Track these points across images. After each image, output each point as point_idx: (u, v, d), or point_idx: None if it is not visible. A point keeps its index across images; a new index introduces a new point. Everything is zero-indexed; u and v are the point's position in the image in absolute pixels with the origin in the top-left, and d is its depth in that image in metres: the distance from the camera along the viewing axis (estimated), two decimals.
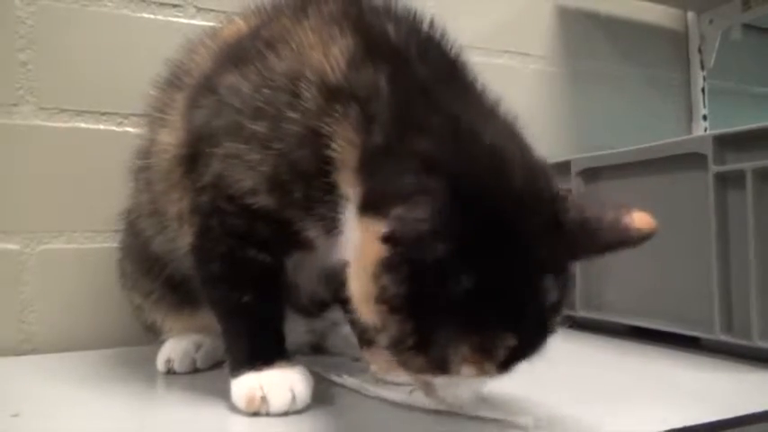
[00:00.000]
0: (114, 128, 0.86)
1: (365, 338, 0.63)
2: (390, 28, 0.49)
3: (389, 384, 0.57)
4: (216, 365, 0.67)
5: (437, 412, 0.51)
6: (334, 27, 0.49)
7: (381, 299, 0.41)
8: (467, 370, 0.41)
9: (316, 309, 0.70)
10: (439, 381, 0.44)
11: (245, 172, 0.50)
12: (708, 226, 0.73)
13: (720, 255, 0.72)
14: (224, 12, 0.91)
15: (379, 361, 0.61)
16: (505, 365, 0.42)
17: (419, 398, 0.52)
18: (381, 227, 0.40)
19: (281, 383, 0.51)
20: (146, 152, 0.63)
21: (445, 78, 0.48)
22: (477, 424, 0.48)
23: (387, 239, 0.39)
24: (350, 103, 0.46)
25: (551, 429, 0.46)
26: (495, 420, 0.48)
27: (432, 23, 0.52)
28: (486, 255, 0.38)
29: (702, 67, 1.33)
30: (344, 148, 0.46)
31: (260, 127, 0.49)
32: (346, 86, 0.47)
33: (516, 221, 0.40)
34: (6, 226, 0.80)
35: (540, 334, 0.42)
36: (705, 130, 1.30)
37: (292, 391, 0.50)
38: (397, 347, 0.42)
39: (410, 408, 0.52)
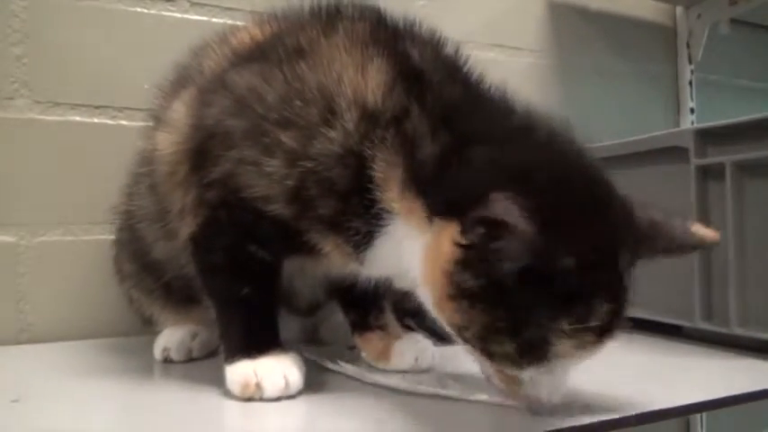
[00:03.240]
0: (108, 121, 0.87)
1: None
2: (416, 52, 0.52)
3: (382, 371, 0.59)
4: (211, 354, 0.69)
5: (431, 397, 0.52)
6: (367, 48, 0.51)
7: (460, 294, 0.43)
8: (565, 347, 0.42)
9: (311, 310, 0.71)
10: (526, 375, 0.45)
11: (261, 180, 0.50)
12: (689, 218, 0.75)
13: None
14: (217, 6, 0.92)
15: (369, 348, 0.63)
16: (600, 336, 0.43)
17: (413, 383, 0.54)
18: (456, 228, 0.43)
19: (275, 370, 0.52)
20: (147, 159, 0.63)
21: (476, 96, 0.51)
22: (473, 407, 0.50)
23: (465, 239, 0.42)
24: (388, 126, 0.48)
25: (534, 412, 0.47)
26: (491, 404, 0.50)
27: (455, 47, 0.55)
28: (570, 236, 0.40)
29: (690, 61, 1.35)
30: (386, 167, 0.48)
31: (288, 139, 0.49)
32: (384, 110, 0.48)
33: (595, 209, 0.43)
34: (3, 218, 0.81)
35: (622, 307, 0.44)
36: (692, 123, 1.32)
37: (285, 377, 0.52)
38: (485, 337, 0.43)
39: (405, 393, 0.54)
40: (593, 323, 0.42)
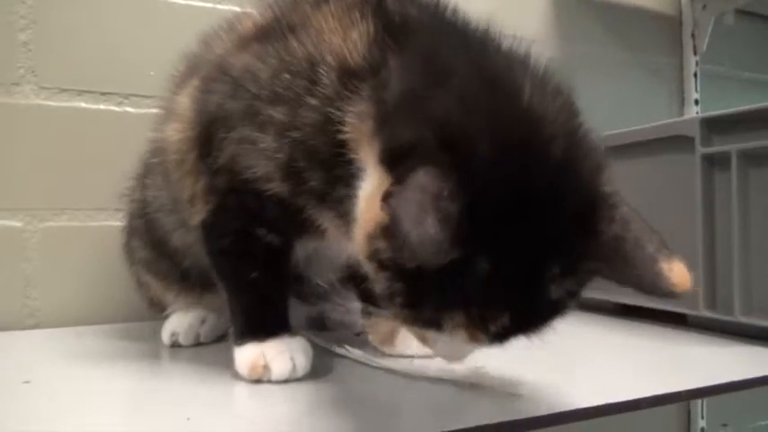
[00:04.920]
0: (114, 108, 0.87)
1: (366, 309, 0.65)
2: (412, 11, 0.49)
3: (387, 355, 0.60)
4: (218, 339, 0.70)
5: (437, 381, 0.53)
6: (354, 12, 0.49)
7: (374, 258, 0.40)
8: (458, 334, 0.40)
9: (321, 297, 0.71)
10: (434, 336, 0.44)
11: (259, 159, 0.50)
12: (694, 207, 0.75)
13: (705, 234, 0.75)
14: None
15: (376, 332, 0.64)
16: (497, 340, 0.41)
17: (421, 368, 0.55)
18: (387, 187, 0.37)
19: (283, 353, 0.53)
20: (158, 149, 0.63)
21: (467, 46, 0.45)
22: (473, 392, 0.51)
23: (385, 209, 0.37)
24: (364, 80, 0.45)
25: (543, 397, 0.48)
26: (491, 388, 0.50)
27: (456, 10, 0.51)
28: (492, 233, 0.36)
29: (695, 52, 1.34)
30: (360, 121, 0.44)
31: (277, 113, 0.49)
32: (362, 66, 0.46)
33: (536, 206, 0.37)
34: (9, 204, 0.81)
35: (536, 320, 0.41)
36: (696, 114, 1.33)
37: (293, 360, 0.53)
38: (385, 300, 0.41)
39: (411, 377, 0.54)
40: (491, 328, 0.39)
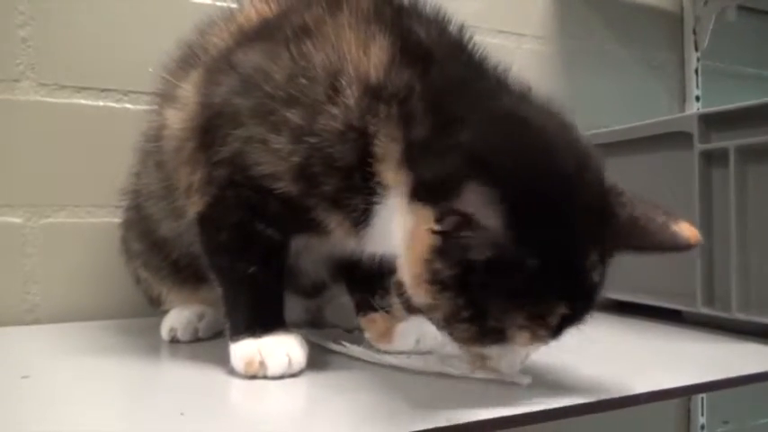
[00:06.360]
0: (114, 104, 0.87)
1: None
2: (421, 29, 0.52)
3: (384, 352, 0.60)
4: (217, 335, 0.70)
5: (433, 375, 0.53)
6: (370, 26, 0.51)
7: (434, 280, 0.44)
8: (521, 337, 0.45)
9: (316, 291, 0.72)
10: (491, 351, 0.48)
11: (269, 157, 0.51)
12: (692, 203, 0.75)
13: (703, 231, 0.74)
14: None
15: (372, 329, 0.64)
16: (557, 332, 0.45)
17: (416, 362, 0.55)
18: (432, 215, 0.43)
19: (279, 349, 0.53)
20: (155, 135, 0.64)
21: (477, 75, 0.51)
22: (474, 384, 0.51)
23: (438, 228, 0.42)
24: (390, 102, 0.48)
25: (541, 393, 0.48)
26: (492, 380, 0.51)
27: (460, 25, 0.54)
28: (537, 234, 0.41)
29: (696, 48, 1.34)
30: (386, 143, 0.48)
31: (294, 116, 0.50)
32: (386, 86, 0.49)
33: (567, 205, 0.43)
34: (9, 200, 0.82)
35: (586, 306, 0.46)
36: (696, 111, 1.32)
37: (289, 356, 0.53)
38: (450, 322, 0.45)
39: (407, 372, 0.55)
40: (550, 321, 0.44)
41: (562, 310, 0.44)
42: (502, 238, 0.40)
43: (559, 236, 0.42)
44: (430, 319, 0.48)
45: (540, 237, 0.41)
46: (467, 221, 0.40)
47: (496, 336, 0.45)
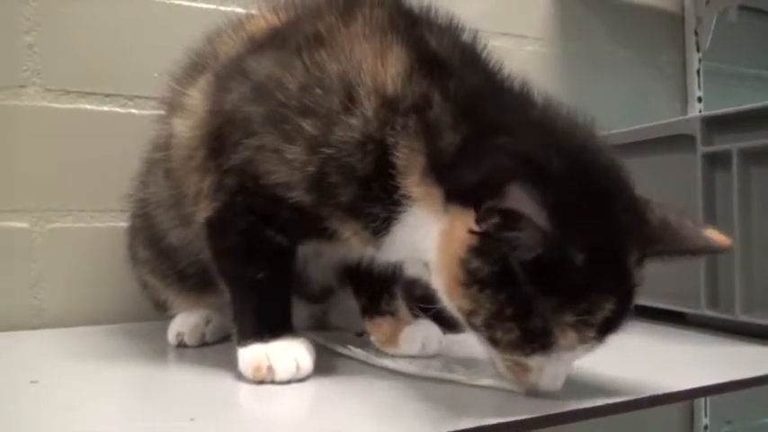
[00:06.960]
0: (119, 109, 0.88)
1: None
2: (436, 39, 0.52)
3: (390, 355, 0.60)
4: (223, 339, 0.70)
5: (438, 381, 0.53)
6: (385, 37, 0.51)
7: (472, 280, 0.44)
8: (568, 338, 0.44)
9: (323, 296, 0.72)
10: (534, 361, 0.46)
11: (282, 167, 0.51)
12: (696, 205, 0.75)
13: None
14: None
15: (378, 333, 0.64)
16: (603, 332, 0.45)
17: (421, 367, 0.55)
18: (471, 216, 0.43)
19: (286, 354, 0.53)
20: (163, 144, 0.64)
21: (499, 85, 0.52)
22: (473, 390, 0.51)
23: (479, 228, 0.42)
24: (409, 113, 0.48)
25: (543, 397, 0.48)
26: (497, 388, 0.51)
27: (472, 34, 0.55)
28: (583, 229, 0.42)
29: (698, 49, 1.34)
30: (407, 153, 0.48)
31: (309, 126, 0.49)
32: (405, 97, 0.49)
33: (609, 204, 0.44)
34: (16, 205, 0.82)
35: (628, 305, 0.45)
36: (700, 112, 1.32)
37: (296, 361, 0.53)
38: (492, 323, 0.44)
39: (412, 377, 0.55)
40: (598, 319, 0.43)
41: (609, 305, 0.43)
42: (551, 233, 0.39)
43: (604, 232, 0.43)
44: (470, 326, 0.47)
45: (586, 232, 0.42)
46: (513, 219, 0.40)
47: (542, 339, 0.44)
